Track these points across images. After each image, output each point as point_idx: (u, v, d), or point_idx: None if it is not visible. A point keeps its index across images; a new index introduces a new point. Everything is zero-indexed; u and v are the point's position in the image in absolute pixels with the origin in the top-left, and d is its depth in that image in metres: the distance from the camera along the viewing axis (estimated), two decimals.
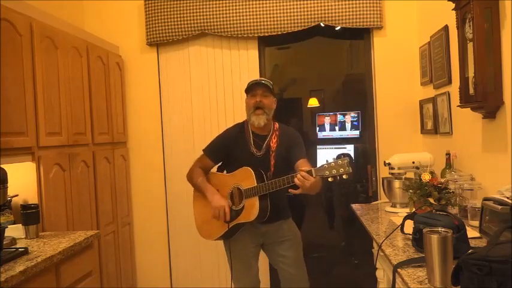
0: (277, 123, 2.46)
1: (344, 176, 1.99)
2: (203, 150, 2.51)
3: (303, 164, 2.23)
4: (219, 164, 2.52)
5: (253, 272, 2.48)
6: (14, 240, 1.99)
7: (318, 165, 2.05)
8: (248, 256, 2.44)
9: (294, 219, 2.55)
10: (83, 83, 2.79)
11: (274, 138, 2.38)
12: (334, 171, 1.99)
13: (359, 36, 3.41)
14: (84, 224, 2.69)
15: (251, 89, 2.38)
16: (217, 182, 2.44)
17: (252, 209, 2.24)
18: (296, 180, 2.03)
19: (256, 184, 2.23)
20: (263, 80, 2.41)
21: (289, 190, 2.09)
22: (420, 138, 3.22)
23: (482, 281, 1.06)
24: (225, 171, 2.49)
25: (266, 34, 3.27)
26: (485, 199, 1.70)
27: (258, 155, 2.36)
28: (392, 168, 2.57)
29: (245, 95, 2.45)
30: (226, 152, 2.44)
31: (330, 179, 2.02)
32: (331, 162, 2.01)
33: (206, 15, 3.30)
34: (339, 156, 2.03)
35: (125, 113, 3.47)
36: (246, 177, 2.28)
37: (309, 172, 2.01)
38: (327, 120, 4.16)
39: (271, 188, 2.17)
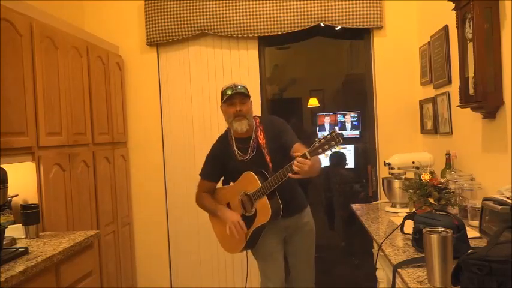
0: (257, 118, 2.42)
1: (336, 147, 2.04)
2: (200, 175, 2.52)
3: (298, 149, 2.20)
4: (222, 179, 2.53)
5: (282, 269, 2.47)
6: (14, 240, 1.99)
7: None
8: (274, 254, 2.43)
9: None
10: (83, 83, 2.79)
11: (261, 135, 2.35)
12: (326, 147, 2.01)
13: (359, 36, 3.41)
14: (84, 224, 2.69)
15: (228, 98, 2.29)
16: (225, 195, 2.46)
17: (264, 209, 2.25)
18: (294, 168, 2.04)
19: (260, 185, 2.24)
20: (239, 86, 2.31)
21: (289, 175, 2.09)
22: (420, 138, 3.22)
23: (482, 281, 1.06)
24: (231, 183, 2.50)
25: (266, 34, 3.27)
26: (485, 199, 1.70)
27: (252, 157, 2.34)
28: (393, 168, 2.57)
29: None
30: (221, 168, 2.44)
31: (325, 155, 2.07)
32: (321, 139, 2.03)
33: (206, 15, 3.30)
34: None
35: (125, 113, 3.47)
36: (250, 182, 2.29)
37: (304, 156, 2.02)
38: (327, 120, 4.17)
39: (275, 182, 2.17)
